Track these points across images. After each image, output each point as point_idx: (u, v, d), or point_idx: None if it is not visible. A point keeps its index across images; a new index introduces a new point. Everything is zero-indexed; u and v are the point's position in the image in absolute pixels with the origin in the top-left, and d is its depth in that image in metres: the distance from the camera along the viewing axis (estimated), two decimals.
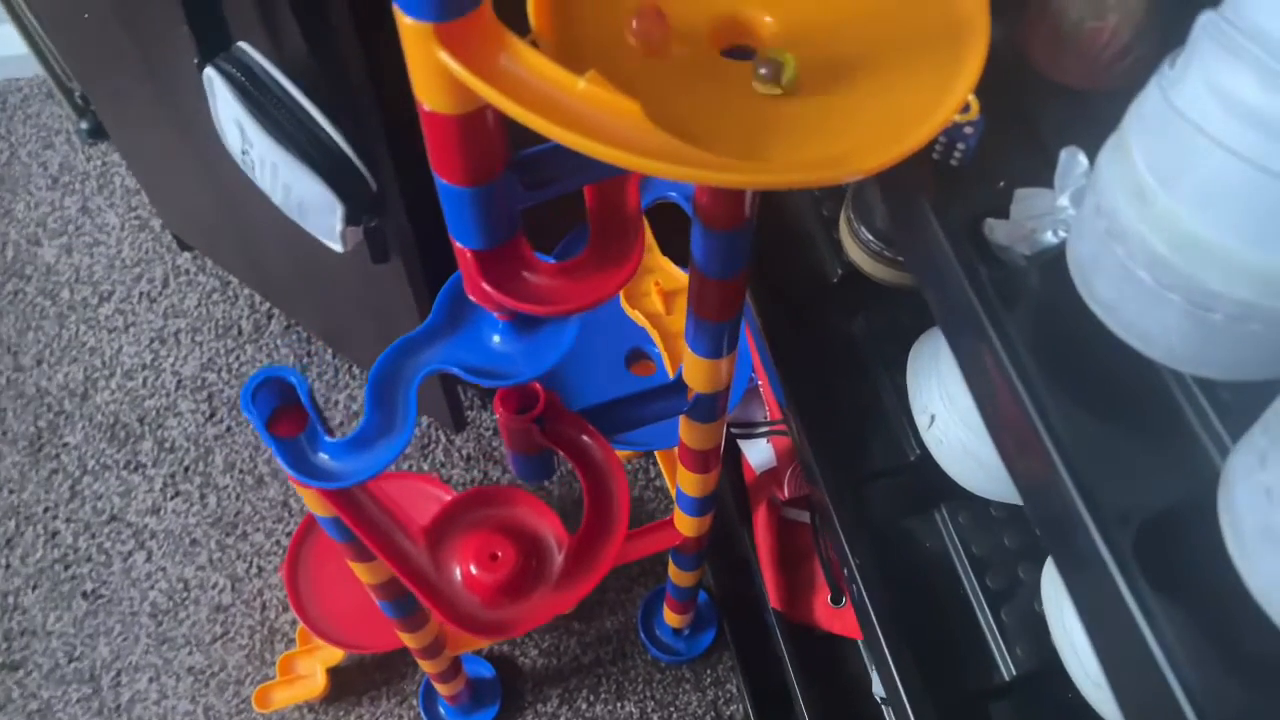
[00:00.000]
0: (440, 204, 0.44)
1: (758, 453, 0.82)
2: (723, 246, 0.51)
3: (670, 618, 1.00)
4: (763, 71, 0.36)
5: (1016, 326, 0.39)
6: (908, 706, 0.54)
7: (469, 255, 0.45)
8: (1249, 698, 0.32)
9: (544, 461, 0.65)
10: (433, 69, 0.36)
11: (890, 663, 0.55)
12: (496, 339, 0.53)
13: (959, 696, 0.55)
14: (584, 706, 1.01)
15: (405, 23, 0.34)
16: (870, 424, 0.66)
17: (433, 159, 0.41)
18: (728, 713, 1.01)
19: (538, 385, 0.61)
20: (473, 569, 0.55)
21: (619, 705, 1.02)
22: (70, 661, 1.03)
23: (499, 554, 0.55)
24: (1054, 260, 0.39)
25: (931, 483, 0.61)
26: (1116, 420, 0.37)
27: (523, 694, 1.02)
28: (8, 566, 1.08)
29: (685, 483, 0.73)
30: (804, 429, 0.64)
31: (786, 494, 0.80)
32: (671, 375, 0.84)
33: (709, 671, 1.03)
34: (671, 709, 1.01)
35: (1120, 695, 0.35)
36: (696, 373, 0.61)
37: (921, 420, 0.58)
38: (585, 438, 0.60)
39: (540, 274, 0.47)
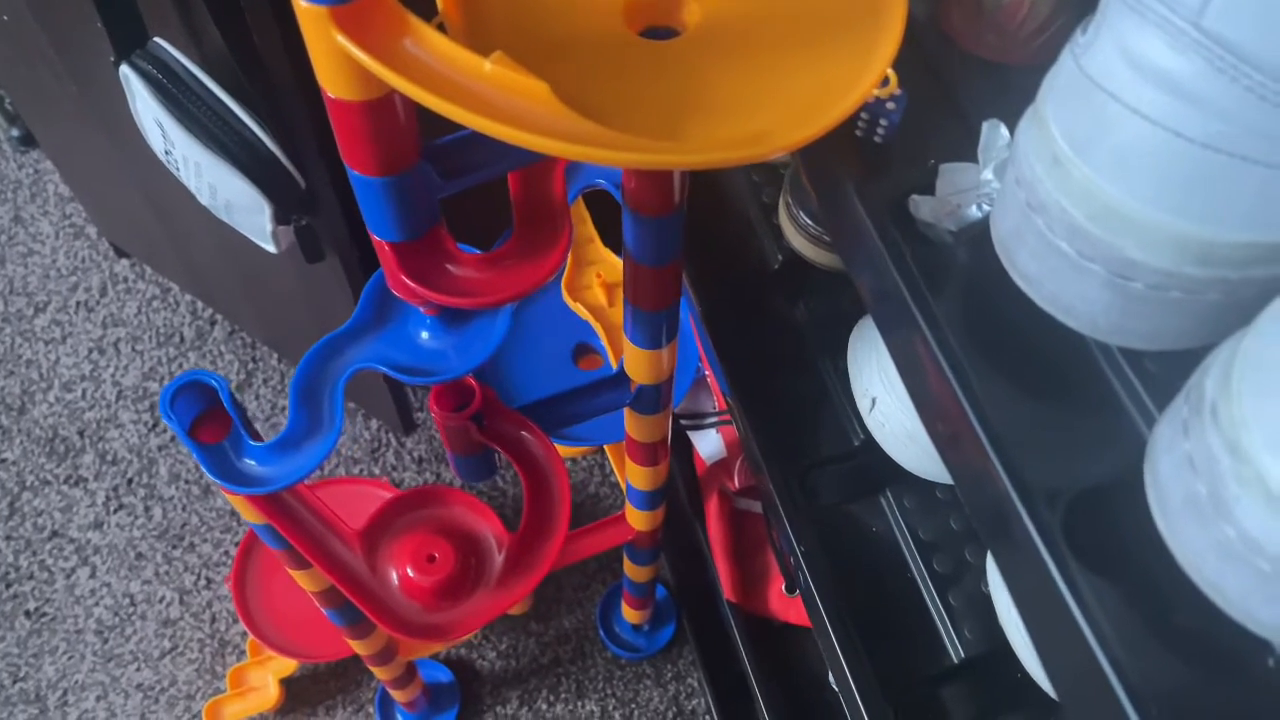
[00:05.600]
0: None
1: (707, 443, 0.81)
2: (654, 233, 0.50)
3: (629, 614, 0.99)
4: None
5: (943, 303, 0.38)
6: (855, 693, 0.53)
7: (388, 248, 0.44)
8: (1178, 670, 0.31)
9: (485, 461, 0.63)
10: (333, 54, 0.34)
11: (838, 649, 0.54)
12: (425, 335, 0.51)
13: (908, 680, 0.55)
14: (544, 707, 1.00)
15: (300, 6, 0.33)
16: (814, 410, 0.65)
17: (342, 149, 0.40)
18: (689, 707, 1.01)
19: (474, 382, 0.59)
20: (410, 572, 0.54)
21: (580, 704, 1.00)
22: (15, 682, 1.00)
23: (436, 555, 0.54)
24: (980, 235, 0.39)
25: (876, 467, 0.60)
26: (1044, 396, 0.37)
27: (481, 697, 1.01)
28: None
29: (634, 476, 0.72)
30: (748, 417, 0.63)
31: (737, 484, 0.79)
32: (616, 368, 0.83)
33: (670, 666, 1.03)
34: (633, 706, 1.00)
35: (1052, 673, 0.35)
36: (637, 364, 0.60)
37: (863, 404, 0.58)
38: (525, 434, 0.59)
39: (463, 265, 0.46)
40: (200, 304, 1.21)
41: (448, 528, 0.56)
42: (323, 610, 0.72)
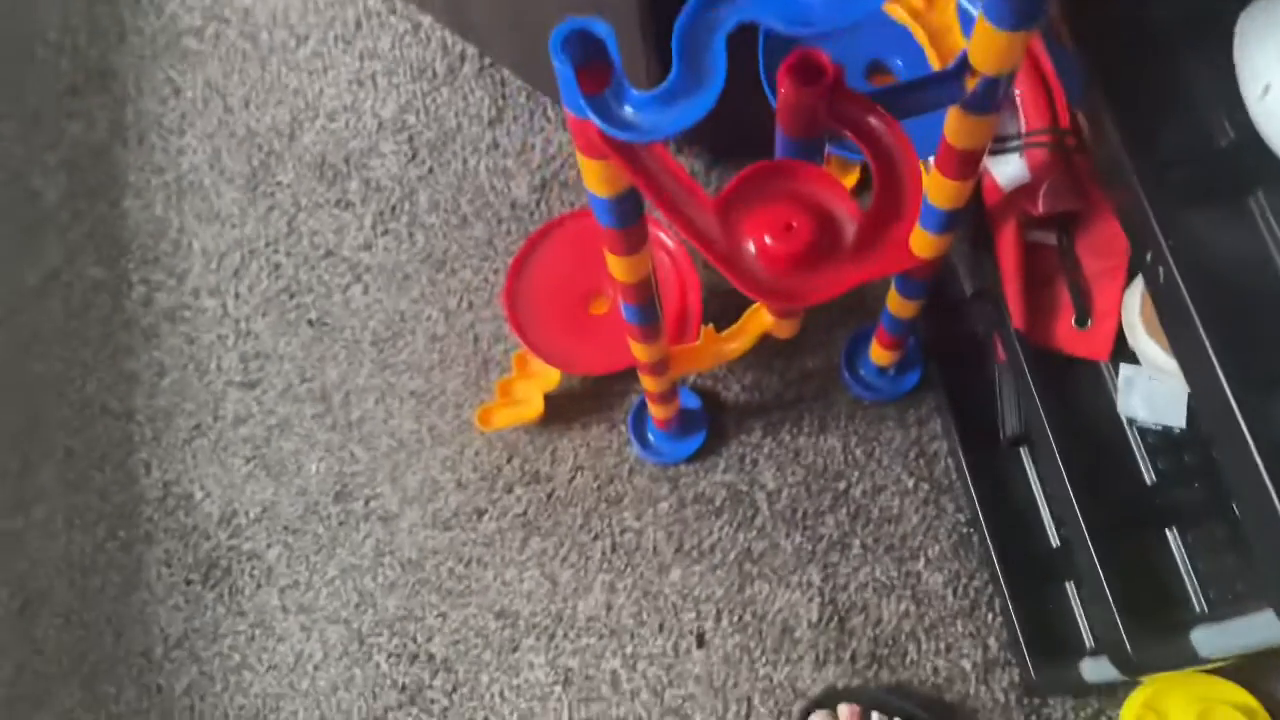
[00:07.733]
0: None
1: (1008, 168, 0.78)
2: None
3: (878, 354, 1.00)
4: None
5: None
6: (1227, 389, 0.51)
7: None
8: None
9: (813, 148, 0.63)
10: None
11: (1209, 350, 0.52)
12: None
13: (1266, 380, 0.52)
14: (787, 439, 1.04)
15: None
16: (1173, 110, 0.60)
17: None
18: (931, 449, 1.02)
19: (825, 58, 0.58)
20: (767, 239, 0.54)
21: (821, 439, 1.03)
22: (302, 382, 1.10)
23: (794, 225, 0.54)
24: None
25: (1248, 168, 0.56)
26: None
27: (726, 426, 1.05)
28: (237, 295, 1.14)
29: (936, 192, 0.70)
30: (1110, 108, 0.59)
31: (1041, 208, 0.76)
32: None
33: (912, 411, 1.04)
34: (874, 443, 1.03)
35: None
36: (987, 48, 0.57)
37: (1253, 91, 0.53)
38: (872, 119, 0.58)
39: None
40: (450, 39, 1.22)
41: (802, 200, 0.56)
42: (623, 307, 0.75)
